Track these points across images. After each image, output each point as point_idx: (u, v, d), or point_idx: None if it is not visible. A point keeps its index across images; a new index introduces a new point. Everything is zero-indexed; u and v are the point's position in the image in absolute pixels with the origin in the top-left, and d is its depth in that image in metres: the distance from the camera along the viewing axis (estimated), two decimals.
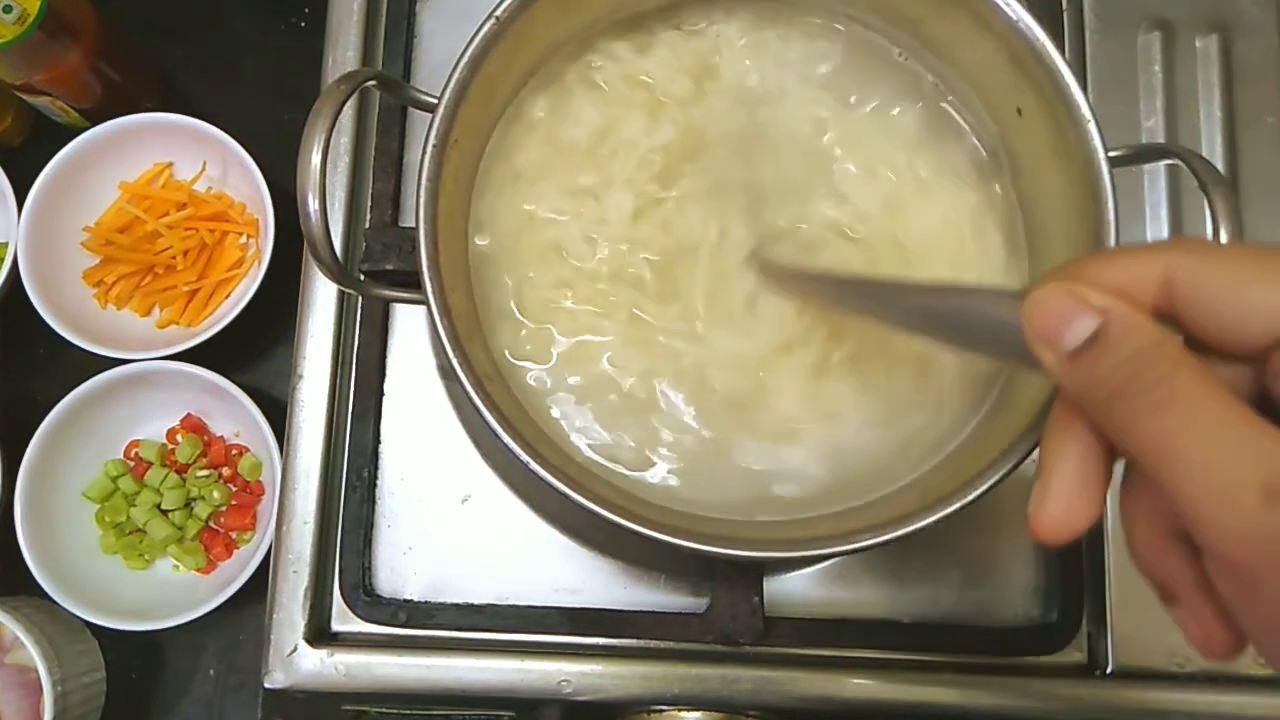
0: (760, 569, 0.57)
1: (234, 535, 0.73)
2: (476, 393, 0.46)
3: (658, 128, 0.56)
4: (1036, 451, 0.44)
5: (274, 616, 0.58)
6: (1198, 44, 0.67)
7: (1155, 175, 0.66)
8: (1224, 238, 0.45)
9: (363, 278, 0.56)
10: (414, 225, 0.47)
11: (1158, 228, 0.65)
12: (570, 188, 0.55)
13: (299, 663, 0.58)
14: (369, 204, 0.64)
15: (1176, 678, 0.59)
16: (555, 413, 0.52)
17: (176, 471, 0.74)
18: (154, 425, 0.75)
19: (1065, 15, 0.67)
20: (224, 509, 0.73)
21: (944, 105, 0.57)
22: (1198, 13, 0.68)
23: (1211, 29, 0.68)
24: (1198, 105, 0.67)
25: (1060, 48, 0.50)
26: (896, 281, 0.48)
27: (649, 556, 0.60)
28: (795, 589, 0.60)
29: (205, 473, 0.73)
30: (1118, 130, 0.64)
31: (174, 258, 0.76)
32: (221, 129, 0.73)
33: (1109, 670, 0.59)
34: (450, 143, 0.49)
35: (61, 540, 0.70)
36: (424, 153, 0.48)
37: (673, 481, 0.52)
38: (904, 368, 0.53)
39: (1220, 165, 0.65)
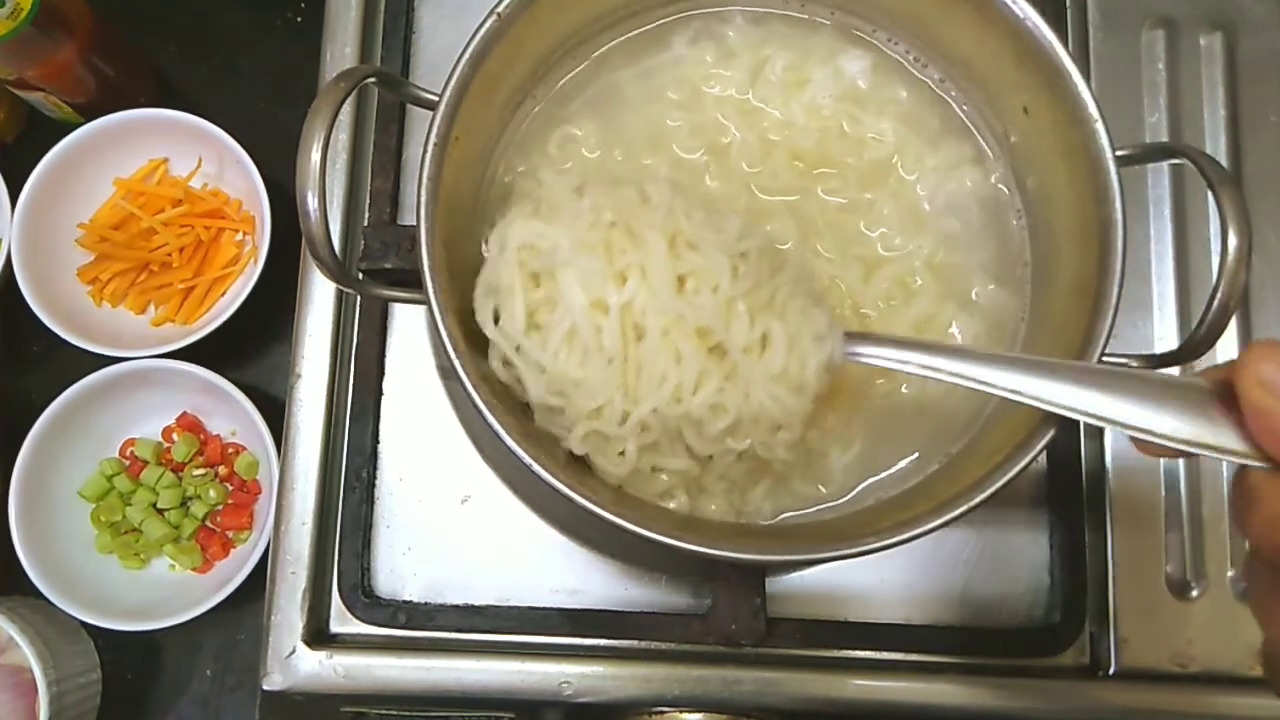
0: (762, 570, 0.56)
1: (230, 534, 0.73)
2: (477, 392, 0.45)
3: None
4: (1044, 456, 0.44)
5: (272, 618, 0.58)
6: (1201, 42, 0.67)
7: (1159, 173, 0.65)
8: (1232, 238, 0.45)
9: (361, 276, 0.56)
10: (413, 223, 0.47)
11: (1161, 226, 0.64)
12: None
13: (297, 664, 0.57)
14: (367, 202, 0.64)
15: (1179, 679, 0.59)
16: None
17: (172, 470, 0.73)
18: (150, 424, 0.74)
19: (1069, 13, 0.67)
20: (220, 508, 0.73)
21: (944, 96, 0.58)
22: (1201, 10, 0.67)
23: (1215, 27, 0.67)
24: (1201, 103, 0.66)
25: (1064, 45, 0.49)
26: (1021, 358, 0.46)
27: (650, 557, 0.60)
28: (797, 589, 0.60)
29: (201, 471, 0.73)
30: (1121, 128, 0.63)
31: (169, 255, 0.75)
32: (217, 125, 0.73)
33: (1111, 671, 0.59)
34: (451, 140, 0.48)
35: (57, 539, 0.70)
36: (425, 151, 0.47)
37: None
38: None
39: (1224, 163, 0.65)
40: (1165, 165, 0.65)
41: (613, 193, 0.47)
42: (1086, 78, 0.49)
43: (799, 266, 0.51)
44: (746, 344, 0.46)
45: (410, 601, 0.59)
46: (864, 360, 0.48)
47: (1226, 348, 0.63)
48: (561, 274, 0.45)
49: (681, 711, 0.56)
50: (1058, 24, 0.65)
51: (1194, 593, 0.60)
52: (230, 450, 0.74)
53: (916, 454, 0.53)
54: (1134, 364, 0.50)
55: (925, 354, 0.46)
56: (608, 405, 0.45)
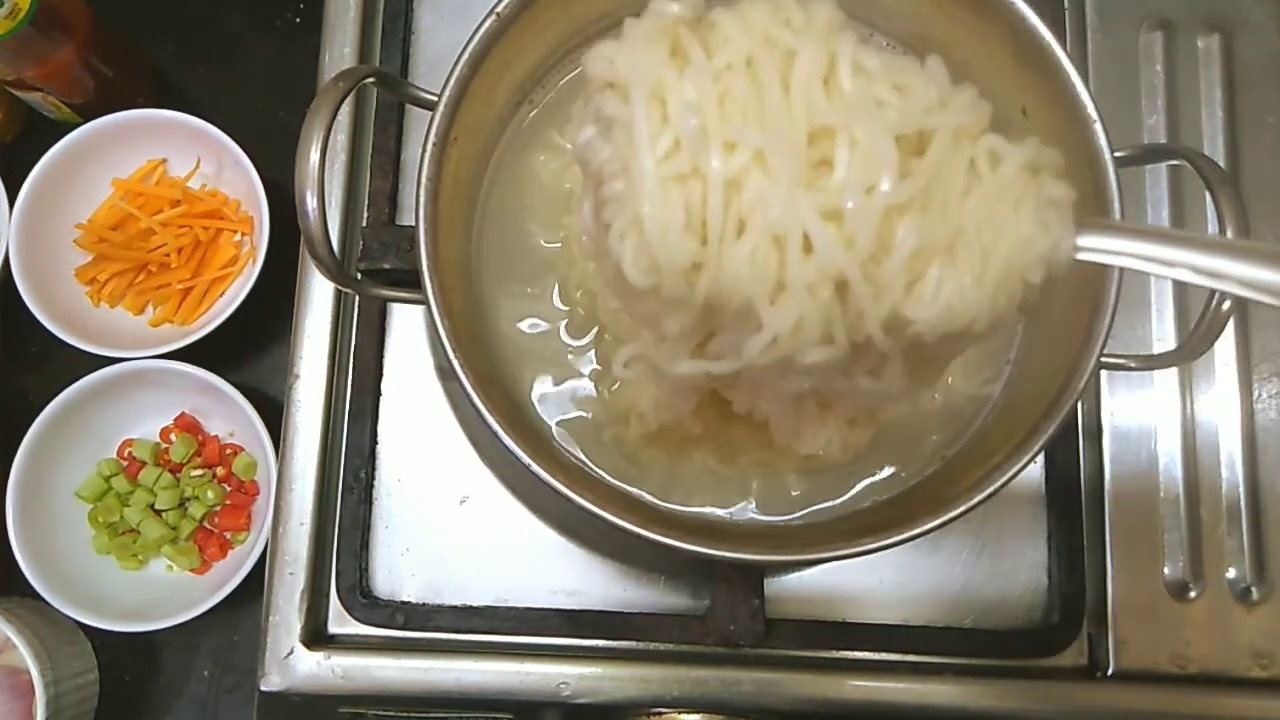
0: (761, 570, 0.56)
1: (228, 535, 0.73)
2: (476, 393, 0.45)
3: None
4: (1042, 457, 0.44)
5: (270, 619, 0.58)
6: (1199, 44, 0.67)
7: (1157, 174, 0.65)
8: (1230, 238, 0.45)
9: (360, 276, 0.56)
10: (412, 224, 0.47)
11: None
12: None
13: (295, 665, 0.57)
14: (366, 202, 0.64)
15: (1177, 680, 0.59)
16: None
17: (170, 471, 0.73)
18: (147, 424, 0.74)
19: (1067, 14, 0.67)
20: (218, 509, 0.72)
21: None
22: (1199, 12, 0.67)
23: (1213, 29, 0.67)
24: (1199, 105, 0.67)
25: (1062, 46, 0.49)
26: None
27: (648, 558, 0.60)
28: (796, 590, 0.60)
29: (199, 472, 0.73)
30: (1119, 129, 0.63)
31: (168, 255, 0.75)
32: (215, 125, 0.73)
33: (1110, 672, 0.59)
34: (450, 141, 0.48)
35: (54, 540, 0.70)
36: (424, 151, 0.47)
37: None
38: None
39: (1222, 164, 0.65)
40: (1163, 166, 0.66)
41: (736, 13, 0.31)
42: (1085, 79, 0.49)
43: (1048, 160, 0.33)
44: (892, 310, 0.30)
45: (408, 602, 0.59)
46: (1098, 260, 0.35)
47: (1225, 348, 0.63)
48: (636, 132, 0.30)
49: (680, 712, 0.56)
50: (1056, 25, 0.65)
51: (1192, 594, 0.60)
52: (228, 451, 0.74)
53: (915, 456, 0.53)
54: (1132, 364, 0.50)
55: (1199, 252, 0.33)
56: (672, 328, 0.33)
